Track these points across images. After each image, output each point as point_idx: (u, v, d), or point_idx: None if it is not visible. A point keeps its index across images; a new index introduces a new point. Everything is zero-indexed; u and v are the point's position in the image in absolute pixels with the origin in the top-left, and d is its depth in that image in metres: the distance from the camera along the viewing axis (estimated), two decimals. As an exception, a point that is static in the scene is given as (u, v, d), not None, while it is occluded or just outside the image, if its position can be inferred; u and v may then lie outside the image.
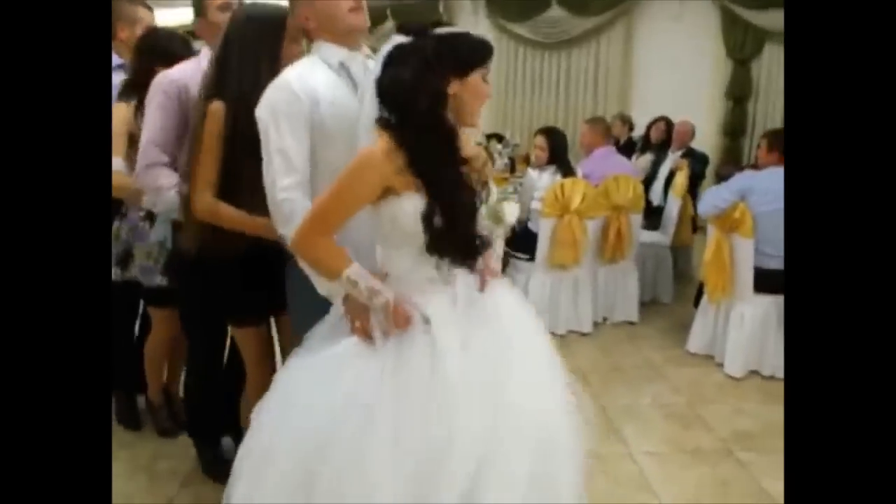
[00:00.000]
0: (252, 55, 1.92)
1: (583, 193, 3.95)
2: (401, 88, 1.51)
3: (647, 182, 5.36)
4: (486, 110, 6.50)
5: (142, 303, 2.85)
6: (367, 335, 1.57)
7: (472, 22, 8.61)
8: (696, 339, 3.95)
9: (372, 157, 1.50)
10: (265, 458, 1.56)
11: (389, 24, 9.38)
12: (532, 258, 4.11)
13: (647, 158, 5.53)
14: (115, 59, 2.74)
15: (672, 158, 5.26)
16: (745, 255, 3.55)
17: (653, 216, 5.09)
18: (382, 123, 1.53)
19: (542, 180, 4.06)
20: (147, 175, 2.16)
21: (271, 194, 1.71)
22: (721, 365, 3.76)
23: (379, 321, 1.56)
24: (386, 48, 1.55)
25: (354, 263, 1.57)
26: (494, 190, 1.62)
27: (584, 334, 4.24)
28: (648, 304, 4.77)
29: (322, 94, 1.71)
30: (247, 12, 2.00)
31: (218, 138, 1.92)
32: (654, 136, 5.56)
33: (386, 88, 1.53)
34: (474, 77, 1.55)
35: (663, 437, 3.08)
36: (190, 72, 2.16)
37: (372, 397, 1.49)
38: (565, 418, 1.67)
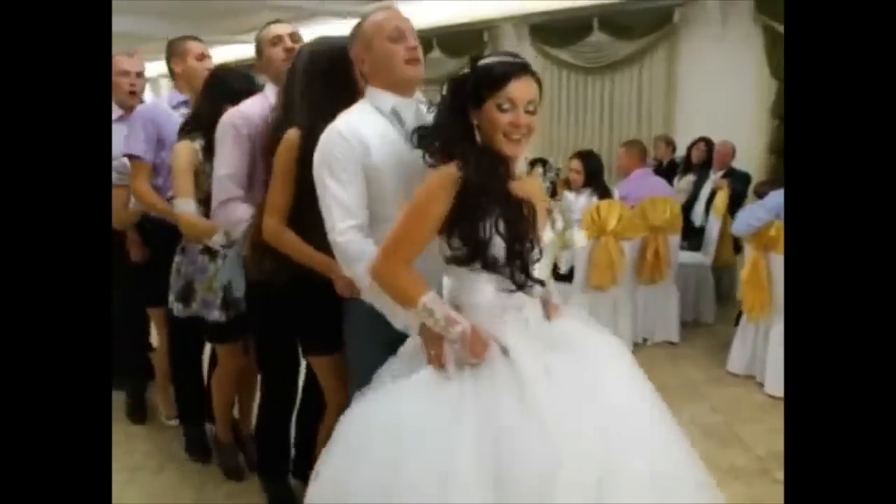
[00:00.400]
0: (320, 86, 1.97)
1: (619, 215, 4.01)
2: (432, 127, 1.65)
3: (689, 203, 5.37)
4: (534, 135, 6.61)
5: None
6: (442, 365, 1.54)
7: (516, 49, 8.76)
8: (737, 359, 3.94)
9: (445, 178, 1.54)
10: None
11: (436, 53, 9.63)
12: (570, 280, 4.18)
13: (689, 180, 5.54)
14: (178, 96, 2.90)
15: (713, 179, 5.26)
16: (782, 273, 3.54)
17: (694, 237, 5.10)
18: (437, 150, 1.62)
19: (579, 203, 4.14)
20: (225, 210, 2.22)
21: (332, 239, 1.75)
22: (762, 385, 3.75)
23: (454, 351, 1.54)
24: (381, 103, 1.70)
25: (432, 291, 1.58)
26: (560, 217, 1.67)
27: (624, 354, 4.27)
28: (690, 325, 4.76)
29: (372, 141, 1.74)
30: (311, 45, 2.06)
31: (291, 165, 1.95)
32: (695, 156, 5.58)
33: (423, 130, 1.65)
34: (487, 106, 1.54)
35: (700, 455, 3.07)
36: (258, 107, 2.23)
37: (450, 422, 1.44)
38: (669, 436, 1.67)
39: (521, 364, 1.50)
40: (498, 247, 1.56)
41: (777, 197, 3.58)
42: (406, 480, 1.41)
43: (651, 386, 1.75)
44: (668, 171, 6.15)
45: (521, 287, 1.59)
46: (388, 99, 1.79)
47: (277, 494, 2.45)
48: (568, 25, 8.00)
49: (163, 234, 2.69)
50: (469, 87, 1.57)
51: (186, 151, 2.46)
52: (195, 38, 2.96)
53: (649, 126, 7.55)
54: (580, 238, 1.63)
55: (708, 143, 5.57)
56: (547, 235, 1.64)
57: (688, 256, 4.79)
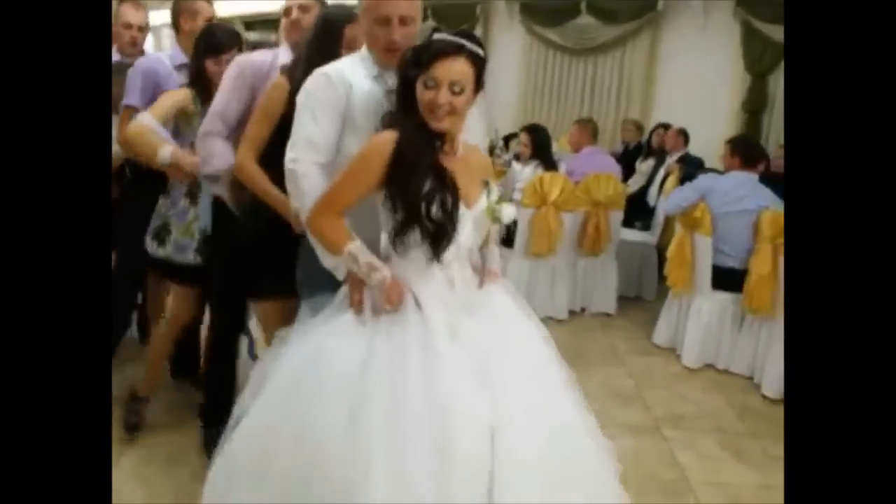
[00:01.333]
0: (315, 50, 2.04)
1: (561, 187, 4.21)
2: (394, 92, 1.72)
3: (647, 185, 5.56)
4: (514, 112, 6.95)
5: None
6: (361, 309, 1.64)
7: (507, 25, 8.89)
8: (662, 332, 4.16)
9: (375, 146, 1.64)
10: (262, 449, 1.60)
11: (429, 22, 9.74)
12: (511, 246, 4.39)
13: (649, 163, 5.73)
14: (179, 56, 2.87)
15: (668, 163, 5.45)
16: (705, 252, 3.75)
17: (648, 217, 5.30)
18: (387, 119, 1.70)
19: (524, 173, 4.35)
20: (204, 141, 2.31)
21: (290, 167, 1.80)
22: (680, 357, 3.96)
23: (373, 297, 1.63)
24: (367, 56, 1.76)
25: (357, 240, 1.66)
26: (496, 190, 1.73)
27: (559, 321, 4.49)
28: (632, 300, 4.97)
29: (356, 86, 1.82)
30: (323, 13, 2.16)
31: (274, 105, 2.04)
32: (655, 141, 5.77)
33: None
34: (418, 82, 1.62)
35: (598, 411, 3.28)
36: (269, 58, 2.32)
37: (359, 380, 1.53)
38: (565, 408, 1.74)
39: (430, 319, 1.59)
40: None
41: (704, 180, 3.78)
42: (320, 412, 1.52)
43: (552, 353, 1.83)
44: (634, 153, 6.33)
45: (436, 255, 1.63)
46: (375, 66, 1.87)
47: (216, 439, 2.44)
48: (557, 6, 8.11)
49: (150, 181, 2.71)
50: (412, 60, 1.64)
51: (178, 92, 2.57)
52: None
53: (627, 109, 7.71)
54: (509, 212, 1.73)
55: (667, 128, 5.74)
56: (481, 206, 1.72)
57: (634, 234, 5.00)
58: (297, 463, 1.53)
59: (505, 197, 1.77)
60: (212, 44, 2.50)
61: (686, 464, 2.86)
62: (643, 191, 5.64)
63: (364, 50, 1.91)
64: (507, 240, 4.43)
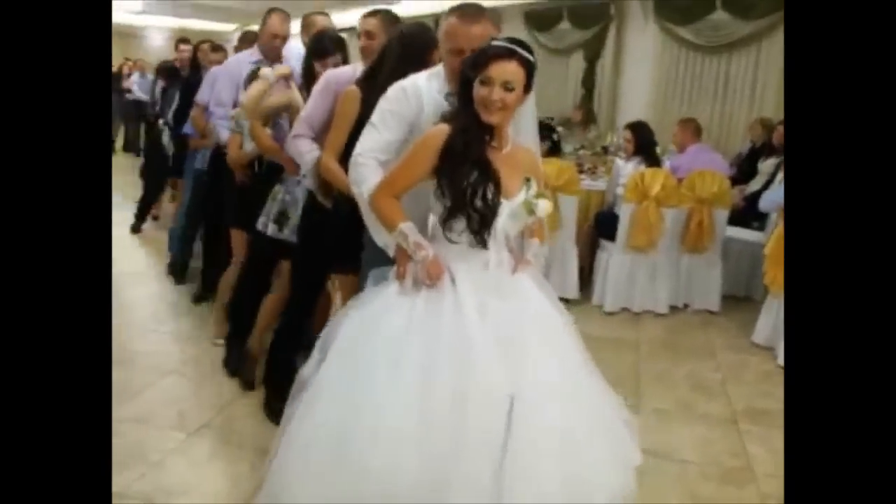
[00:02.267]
0: (398, 65, 2.30)
1: (662, 183, 4.28)
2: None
3: (767, 185, 5.43)
4: (647, 109, 7.11)
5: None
6: (404, 280, 1.86)
7: (641, 24, 8.84)
8: (761, 331, 4.12)
9: (430, 137, 1.87)
10: (315, 390, 1.84)
11: (565, 23, 9.87)
12: (613, 239, 4.50)
13: (770, 162, 5.59)
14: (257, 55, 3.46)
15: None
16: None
17: (765, 217, 5.18)
18: (445, 115, 1.92)
19: (627, 169, 4.45)
20: (293, 143, 2.69)
21: (353, 159, 2.08)
22: (777, 356, 3.92)
23: (416, 271, 1.84)
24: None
25: (409, 221, 1.88)
26: (535, 185, 1.89)
27: (658, 314, 4.56)
28: (740, 300, 4.92)
29: (427, 100, 2.07)
30: (407, 33, 2.42)
31: (349, 115, 2.37)
32: (776, 140, 5.60)
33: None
34: (476, 81, 1.81)
35: (679, 401, 3.40)
36: (349, 71, 2.67)
37: (401, 338, 1.76)
38: (581, 385, 1.89)
39: (462, 296, 1.79)
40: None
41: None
42: (369, 363, 1.77)
43: (571, 337, 1.97)
44: (761, 153, 6.17)
45: (477, 241, 1.83)
46: (446, 84, 2.10)
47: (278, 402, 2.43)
48: (691, 3, 7.99)
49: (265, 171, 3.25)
50: (469, 62, 1.85)
51: (286, 92, 3.09)
52: (321, 13, 3.54)
53: (760, 107, 7.46)
54: (543, 206, 1.91)
55: (789, 126, 5.57)
56: (519, 199, 1.88)
57: (747, 234, 4.93)
58: (347, 408, 1.75)
59: (544, 195, 1.92)
60: (319, 49, 2.90)
61: (755, 455, 2.90)
62: (764, 190, 5.51)
63: (440, 67, 2.14)
64: (610, 233, 4.55)
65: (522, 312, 1.87)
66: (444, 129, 1.86)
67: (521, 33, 10.62)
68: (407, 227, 1.87)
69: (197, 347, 3.70)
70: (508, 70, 1.80)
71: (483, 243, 1.84)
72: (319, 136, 2.64)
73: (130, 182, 7.31)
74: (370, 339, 1.80)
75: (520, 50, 1.84)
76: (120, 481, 2.43)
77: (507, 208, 1.86)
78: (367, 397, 1.73)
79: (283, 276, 3.13)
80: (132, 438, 2.74)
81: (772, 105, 7.38)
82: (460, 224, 1.83)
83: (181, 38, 6.79)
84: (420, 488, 1.66)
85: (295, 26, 3.71)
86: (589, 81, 9.60)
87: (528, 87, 1.87)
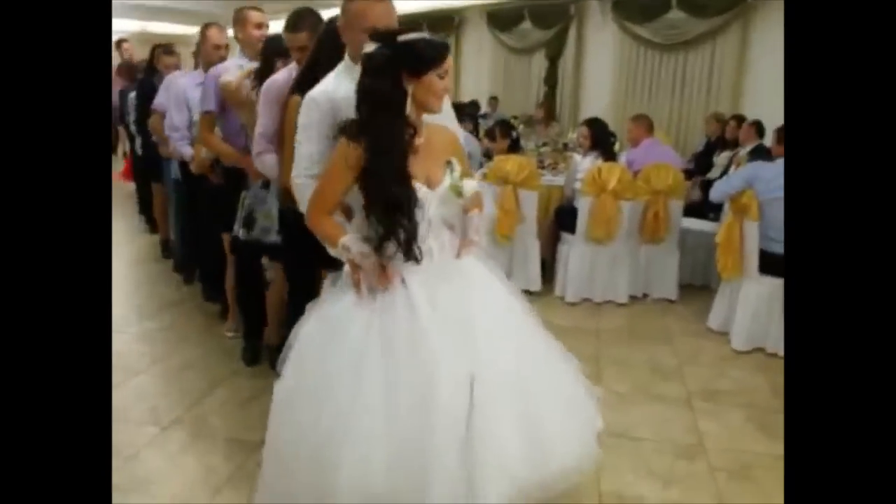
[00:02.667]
0: (338, 59, 2.38)
1: (618, 177, 4.44)
2: (361, 91, 1.85)
3: (721, 176, 5.63)
4: (607, 107, 7.33)
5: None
6: (360, 289, 1.89)
7: (600, 23, 9.07)
8: (716, 317, 4.29)
9: (341, 149, 1.86)
10: (282, 398, 1.94)
11: (526, 23, 10.05)
12: (573, 231, 4.65)
13: (725, 156, 5.80)
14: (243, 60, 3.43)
15: (739, 154, 5.51)
16: (752, 238, 3.88)
17: (720, 208, 5.37)
18: (350, 123, 1.87)
19: (584, 164, 4.61)
20: (258, 160, 2.80)
21: (292, 180, 2.15)
22: (731, 340, 4.09)
23: (368, 278, 1.89)
24: (362, 55, 1.84)
25: (349, 234, 1.90)
26: (458, 167, 1.93)
27: (619, 304, 4.72)
28: (698, 288, 5.08)
29: (342, 103, 2.04)
30: (328, 25, 2.45)
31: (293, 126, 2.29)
32: (728, 133, 5.82)
33: (356, 91, 1.87)
34: (429, 76, 1.82)
35: (638, 383, 3.55)
36: (286, 76, 2.73)
37: (362, 344, 1.82)
38: (539, 365, 1.97)
39: (413, 293, 1.85)
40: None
41: (750, 168, 3.91)
42: (333, 370, 1.83)
43: (522, 307, 2.06)
44: (716, 145, 6.38)
45: (408, 257, 1.85)
46: (357, 71, 2.01)
47: None
48: (648, 2, 8.22)
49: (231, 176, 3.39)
50: (413, 60, 1.81)
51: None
52: (256, 8, 3.52)
53: (717, 103, 7.71)
54: (469, 186, 1.95)
55: (740, 121, 5.78)
56: (445, 185, 1.93)
57: (703, 224, 5.11)
58: (312, 415, 1.82)
59: (464, 173, 1.97)
60: (279, 49, 2.98)
61: (707, 432, 3.05)
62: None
63: (347, 61, 2.16)
64: (570, 226, 4.70)
65: (471, 294, 1.94)
66: (354, 151, 1.83)
67: (484, 33, 10.79)
68: (347, 240, 1.89)
69: (164, 347, 3.77)
70: (449, 60, 1.88)
71: (416, 258, 1.86)
72: (277, 146, 2.72)
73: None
74: (331, 348, 1.86)
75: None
76: (94, 474, 2.51)
77: (434, 198, 1.90)
78: (332, 404, 1.79)
79: (277, 270, 3.29)
80: (105, 434, 2.80)
81: (727, 100, 7.64)
82: (392, 246, 1.86)
83: (120, 40, 6.90)
84: (393, 481, 1.73)
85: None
86: (551, 79, 9.81)
87: None
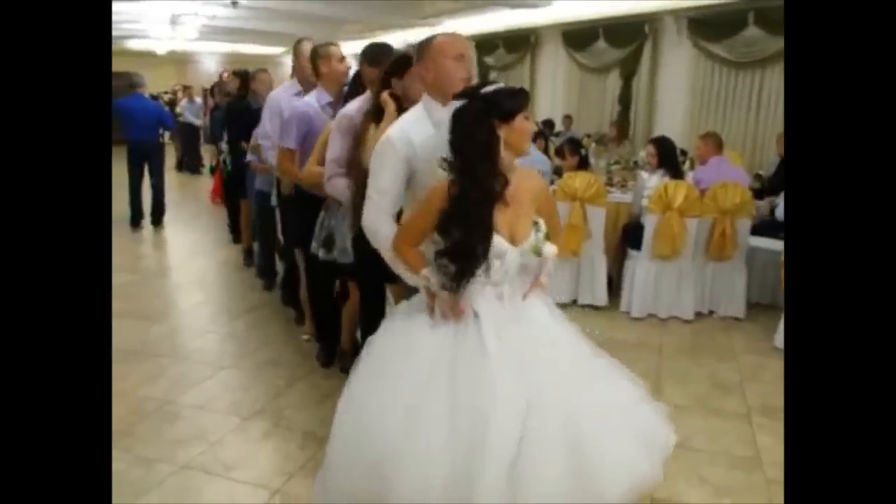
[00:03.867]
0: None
1: (685, 194, 4.50)
2: (456, 144, 1.94)
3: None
4: (681, 125, 7.36)
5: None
6: (434, 314, 2.02)
7: (675, 41, 9.07)
8: (782, 336, 4.28)
9: (436, 190, 1.97)
10: (350, 402, 2.04)
11: (601, 42, 10.13)
12: (639, 248, 4.73)
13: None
14: (325, 97, 3.56)
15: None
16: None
17: (792, 228, 5.33)
18: (447, 166, 1.96)
19: (651, 181, 4.69)
20: (329, 184, 2.97)
21: (366, 226, 2.23)
22: (797, 359, 4.08)
23: (441, 308, 2.01)
24: (453, 111, 1.97)
25: (430, 267, 2.01)
26: (543, 229, 2.03)
27: (684, 321, 4.75)
28: (766, 307, 5.06)
29: (418, 147, 2.15)
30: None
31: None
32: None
33: (451, 143, 1.95)
34: (518, 120, 1.95)
35: (697, 397, 3.60)
36: (357, 105, 2.95)
37: (432, 365, 1.94)
38: (596, 399, 1.99)
39: (484, 327, 1.96)
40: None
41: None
42: (402, 383, 1.94)
43: (584, 345, 2.13)
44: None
45: (458, 285, 1.94)
46: (439, 111, 2.19)
47: None
48: (724, 19, 8.19)
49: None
50: (501, 107, 1.94)
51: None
52: (334, 44, 3.72)
53: (795, 122, 7.59)
54: (549, 250, 2.08)
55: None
56: (529, 243, 2.02)
57: (771, 243, 5.09)
58: (378, 416, 1.94)
59: (547, 236, 2.05)
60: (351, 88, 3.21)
61: (764, 446, 3.09)
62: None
63: (426, 99, 2.25)
64: (636, 243, 4.78)
65: (535, 331, 2.04)
66: (448, 185, 1.94)
67: (560, 52, 10.93)
68: (428, 272, 2.01)
69: (248, 346, 4.06)
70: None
71: (455, 288, 1.95)
72: (347, 171, 2.90)
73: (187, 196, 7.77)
74: (403, 361, 1.98)
75: None
76: (184, 456, 2.79)
77: (516, 253, 1.99)
78: (397, 415, 1.90)
79: (351, 287, 3.50)
80: (194, 421, 3.10)
81: (805, 119, 7.50)
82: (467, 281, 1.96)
83: (222, 72, 7.17)
84: (447, 498, 1.82)
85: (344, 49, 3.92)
86: (625, 98, 9.84)
87: None
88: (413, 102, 2.45)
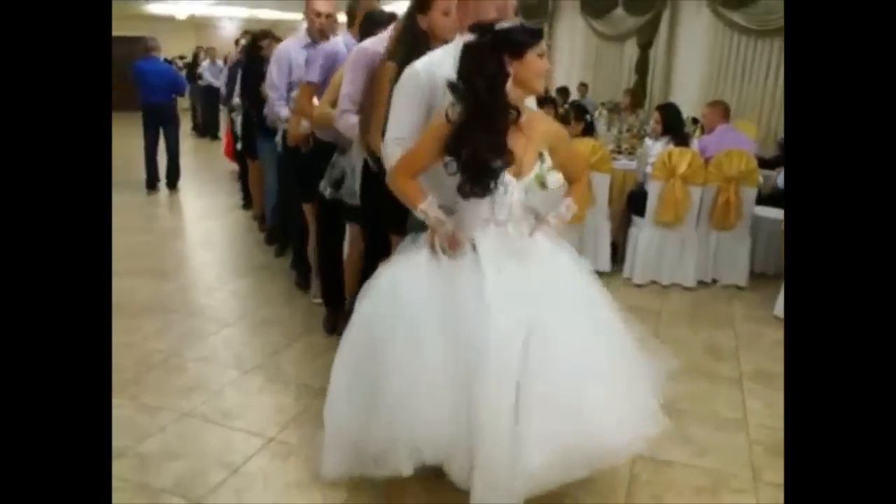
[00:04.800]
0: (407, 30, 2.60)
1: (689, 162, 4.50)
2: (463, 75, 1.95)
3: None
4: (697, 92, 7.38)
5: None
6: (435, 248, 2.05)
7: (694, 9, 8.94)
8: (782, 305, 4.30)
9: (438, 123, 2.00)
10: (362, 314, 2.09)
11: (619, 10, 10.01)
12: (642, 214, 4.75)
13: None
14: (352, 43, 3.52)
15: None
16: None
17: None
18: (453, 91, 1.98)
19: (656, 148, 4.69)
20: (341, 118, 3.00)
21: (385, 144, 2.27)
22: (795, 327, 4.10)
23: (440, 242, 2.04)
24: (459, 47, 2.00)
25: (428, 199, 2.04)
26: (548, 160, 2.03)
27: (686, 288, 4.78)
28: (771, 277, 5.06)
29: (440, 81, 2.11)
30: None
31: (388, 90, 2.43)
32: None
33: (459, 74, 1.97)
34: (529, 56, 1.95)
35: (692, 361, 3.64)
36: (378, 42, 2.90)
37: (424, 299, 1.98)
38: (600, 344, 2.03)
39: (482, 260, 1.98)
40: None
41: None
42: (396, 323, 1.98)
43: (592, 283, 2.15)
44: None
45: (471, 192, 1.96)
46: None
47: None
48: (744, -14, 8.07)
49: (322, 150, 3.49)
50: (512, 43, 1.94)
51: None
52: None
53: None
54: (553, 179, 2.08)
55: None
56: (532, 175, 2.04)
57: (776, 213, 5.07)
58: (373, 367, 1.99)
59: (553, 167, 2.05)
60: (366, 29, 3.19)
61: (752, 409, 3.14)
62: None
63: (453, 44, 2.22)
64: (640, 209, 4.80)
65: (537, 268, 2.03)
66: (449, 115, 1.98)
67: (577, 20, 10.82)
68: (426, 205, 2.05)
69: (252, 304, 4.17)
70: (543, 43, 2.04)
71: (480, 193, 1.96)
72: (360, 107, 2.92)
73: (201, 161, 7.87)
74: (397, 301, 2.01)
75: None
76: (187, 404, 2.91)
77: (519, 186, 2.01)
78: (392, 356, 1.95)
79: (350, 239, 3.47)
80: (197, 373, 3.23)
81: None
82: (466, 214, 2.02)
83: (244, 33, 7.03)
84: (450, 432, 1.87)
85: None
86: (642, 66, 9.75)
87: None
88: (438, 40, 2.47)
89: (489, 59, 1.93)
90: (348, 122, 2.98)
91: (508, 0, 2.18)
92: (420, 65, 2.24)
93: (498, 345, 1.87)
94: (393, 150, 2.23)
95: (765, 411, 3.12)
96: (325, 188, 3.39)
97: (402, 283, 2.04)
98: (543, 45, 2.02)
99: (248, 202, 6.55)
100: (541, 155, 2.04)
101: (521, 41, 1.95)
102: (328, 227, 3.64)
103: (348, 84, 2.97)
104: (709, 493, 2.52)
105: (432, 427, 1.90)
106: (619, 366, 2.08)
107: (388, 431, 1.94)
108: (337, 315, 3.72)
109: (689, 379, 3.43)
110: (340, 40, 3.67)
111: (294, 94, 3.94)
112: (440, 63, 2.21)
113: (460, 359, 1.89)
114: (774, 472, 2.64)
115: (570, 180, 2.19)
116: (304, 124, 3.73)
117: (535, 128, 2.06)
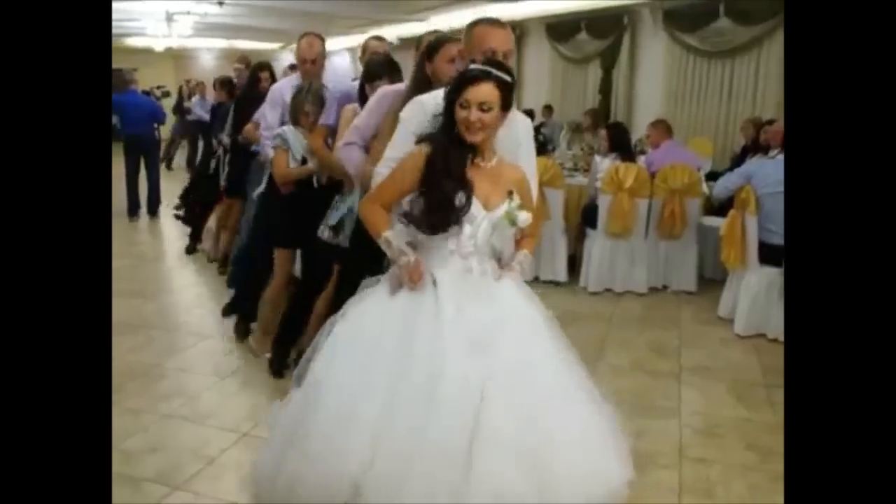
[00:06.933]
0: (414, 76, 2.69)
1: (635, 176, 4.86)
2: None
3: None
4: (657, 113, 7.80)
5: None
6: (396, 283, 2.01)
7: (651, 32, 9.40)
8: (724, 306, 4.64)
9: (413, 157, 2.02)
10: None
11: (583, 34, 10.46)
12: (595, 227, 5.09)
13: (757, 158, 6.07)
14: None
15: (770, 157, 5.77)
16: (752, 230, 4.23)
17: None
18: (423, 137, 2.02)
19: (604, 164, 5.06)
20: (344, 150, 2.93)
21: (375, 170, 2.27)
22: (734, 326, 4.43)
23: (400, 275, 2.00)
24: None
25: (393, 230, 2.02)
26: (517, 200, 2.04)
27: (638, 294, 5.12)
28: (719, 282, 5.36)
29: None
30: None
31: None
32: (762, 138, 6.10)
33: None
34: (456, 105, 1.94)
35: (634, 359, 3.96)
36: (402, 88, 2.84)
37: (380, 331, 1.94)
38: (556, 378, 1.96)
39: (441, 296, 1.93)
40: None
41: (747, 166, 4.27)
42: (352, 358, 1.94)
43: (550, 330, 2.06)
44: (752, 150, 6.64)
45: (432, 228, 1.96)
46: None
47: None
48: (696, 11, 8.51)
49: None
50: (454, 87, 1.98)
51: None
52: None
53: (763, 109, 7.91)
54: (523, 217, 2.01)
55: (770, 124, 6.06)
56: (501, 211, 2.03)
57: (721, 222, 5.43)
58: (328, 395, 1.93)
59: (522, 206, 2.06)
60: (367, 73, 3.27)
61: (687, 399, 3.45)
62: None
63: None
64: (592, 221, 5.14)
65: (500, 319, 1.96)
66: (423, 149, 2.01)
67: (543, 44, 11.25)
68: (391, 234, 2.02)
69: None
70: (483, 91, 1.92)
71: (434, 231, 1.97)
72: (368, 146, 2.89)
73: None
74: (353, 338, 1.99)
75: (495, 71, 1.95)
76: (166, 408, 3.18)
77: (487, 220, 2.00)
78: (344, 391, 1.89)
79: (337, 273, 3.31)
80: (177, 380, 3.51)
81: (772, 106, 7.84)
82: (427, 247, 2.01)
83: (240, 57, 6.57)
84: (388, 471, 1.78)
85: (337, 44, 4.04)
86: (606, 87, 10.17)
87: (506, 106, 1.98)
88: (441, 84, 2.46)
89: (448, 102, 2.01)
90: (350, 155, 2.93)
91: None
92: (427, 97, 2.31)
93: (449, 393, 1.82)
94: (384, 171, 2.23)
95: (697, 400, 3.43)
96: (324, 231, 3.35)
97: (363, 316, 2.03)
98: (471, 93, 1.95)
99: (193, 245, 6.31)
100: (510, 193, 2.03)
101: (453, 86, 2.00)
102: (317, 278, 3.46)
103: (362, 118, 2.94)
104: (638, 470, 2.79)
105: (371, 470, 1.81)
106: (577, 418, 1.99)
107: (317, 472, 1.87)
108: (283, 359, 3.58)
109: (631, 375, 3.74)
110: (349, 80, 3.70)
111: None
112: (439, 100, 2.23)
113: (405, 395, 1.84)
114: (699, 449, 2.94)
115: (524, 233, 2.16)
116: (294, 163, 3.64)
117: (503, 173, 2.08)
